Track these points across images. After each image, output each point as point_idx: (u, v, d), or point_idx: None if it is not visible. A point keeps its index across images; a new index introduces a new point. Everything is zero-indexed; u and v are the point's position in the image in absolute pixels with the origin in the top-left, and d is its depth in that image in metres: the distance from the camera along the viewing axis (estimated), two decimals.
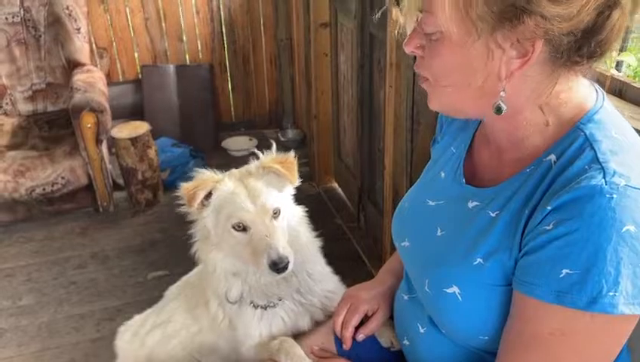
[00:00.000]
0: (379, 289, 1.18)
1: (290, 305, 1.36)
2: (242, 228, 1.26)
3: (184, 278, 1.63)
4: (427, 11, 0.77)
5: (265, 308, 1.34)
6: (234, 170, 1.35)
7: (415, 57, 0.86)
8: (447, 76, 0.81)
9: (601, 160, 0.74)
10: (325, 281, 1.43)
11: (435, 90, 0.85)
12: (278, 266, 1.21)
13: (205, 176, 1.31)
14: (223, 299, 1.36)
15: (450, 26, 0.75)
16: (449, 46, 0.77)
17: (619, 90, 1.22)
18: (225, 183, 1.29)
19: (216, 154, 3.78)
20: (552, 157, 0.79)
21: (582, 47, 0.74)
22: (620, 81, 1.24)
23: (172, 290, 1.63)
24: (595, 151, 0.75)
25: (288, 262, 1.22)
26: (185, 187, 1.29)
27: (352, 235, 2.90)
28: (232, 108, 4.10)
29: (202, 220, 1.32)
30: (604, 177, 0.71)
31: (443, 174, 1.01)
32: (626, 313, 0.70)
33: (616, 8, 0.72)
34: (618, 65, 1.46)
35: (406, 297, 1.07)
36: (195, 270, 1.58)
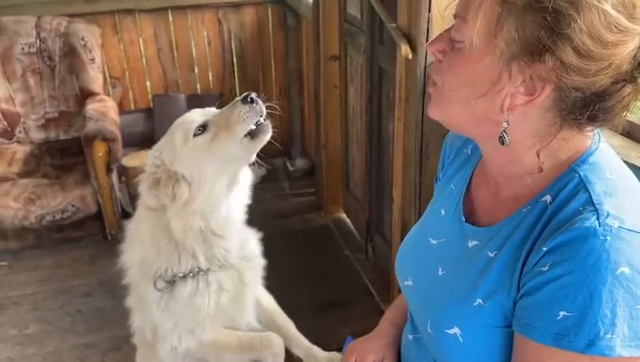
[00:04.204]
0: (382, 340, 1.16)
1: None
2: (202, 129, 1.39)
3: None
4: (461, 17, 0.78)
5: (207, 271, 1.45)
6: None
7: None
8: (455, 88, 0.82)
9: (595, 201, 0.74)
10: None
11: (440, 97, 0.85)
12: (250, 96, 1.36)
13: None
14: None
15: (476, 39, 0.75)
16: (468, 59, 0.78)
17: (627, 132, 1.23)
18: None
19: None
20: (548, 197, 0.80)
21: (585, 107, 0.74)
22: (629, 121, 1.24)
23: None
24: (589, 193, 0.75)
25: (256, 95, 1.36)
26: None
27: (360, 267, 2.88)
28: None
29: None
30: (597, 219, 0.72)
31: (443, 212, 1.01)
32: (624, 355, 0.69)
33: (630, 84, 0.73)
34: None
35: (411, 337, 1.06)
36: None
